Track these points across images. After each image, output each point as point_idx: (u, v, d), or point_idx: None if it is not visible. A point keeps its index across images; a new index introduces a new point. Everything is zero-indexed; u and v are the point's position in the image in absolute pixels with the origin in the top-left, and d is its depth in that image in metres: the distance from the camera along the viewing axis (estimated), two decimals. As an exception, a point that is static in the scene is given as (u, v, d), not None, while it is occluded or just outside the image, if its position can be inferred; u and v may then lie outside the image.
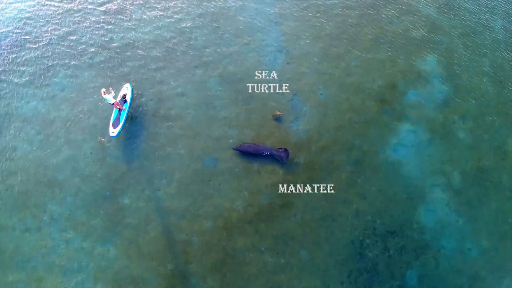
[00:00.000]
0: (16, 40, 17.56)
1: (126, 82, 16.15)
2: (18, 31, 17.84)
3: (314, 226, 13.73)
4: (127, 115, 15.21)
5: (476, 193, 14.35)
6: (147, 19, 18.03)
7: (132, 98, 15.68)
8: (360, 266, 13.19)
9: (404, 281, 13.07)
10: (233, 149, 14.77)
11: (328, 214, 13.92)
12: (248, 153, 14.69)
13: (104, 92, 14.22)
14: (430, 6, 18.48)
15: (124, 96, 15.19)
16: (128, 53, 17.05)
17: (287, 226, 13.72)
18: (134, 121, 15.53)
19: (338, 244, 13.47)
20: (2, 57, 17.14)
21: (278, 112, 15.44)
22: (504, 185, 14.53)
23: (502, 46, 17.41)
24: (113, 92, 14.66)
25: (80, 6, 18.48)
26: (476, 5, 18.58)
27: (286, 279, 13.02)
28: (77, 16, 18.17)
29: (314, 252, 13.36)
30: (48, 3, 18.61)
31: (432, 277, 13.15)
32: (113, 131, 14.70)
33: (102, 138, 14.92)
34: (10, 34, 17.77)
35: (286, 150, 14.58)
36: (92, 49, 17.23)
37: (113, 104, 14.73)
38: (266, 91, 16.17)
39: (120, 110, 15.06)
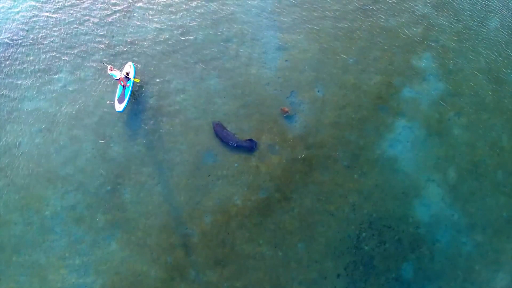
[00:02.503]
0: (19, 38, 17.82)
1: (129, 61, 16.73)
2: (21, 29, 18.09)
3: (311, 220, 13.97)
4: (131, 92, 15.83)
5: (471, 188, 14.57)
6: (148, 18, 18.27)
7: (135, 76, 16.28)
8: (356, 259, 13.42)
9: (400, 274, 13.30)
10: (212, 123, 15.34)
11: (325, 208, 14.15)
12: (218, 137, 15.13)
13: (111, 68, 14.83)
14: (426, 4, 18.71)
15: (128, 74, 15.80)
16: (129, 51, 17.29)
17: (285, 220, 13.96)
18: (135, 116, 15.80)
19: (335, 238, 13.71)
20: (5, 56, 17.40)
21: (285, 109, 15.65)
22: (499, 180, 14.75)
23: (497, 43, 17.63)
24: (118, 71, 15.30)
25: (82, 5, 18.73)
26: (472, 3, 18.81)
27: (284, 271, 13.25)
28: (79, 15, 18.41)
29: (311, 245, 13.59)
30: (50, 2, 18.85)
31: (427, 270, 13.37)
32: (119, 107, 15.32)
33: (101, 140, 15.20)
34: (13, 32, 18.02)
35: (252, 140, 14.99)
36: (93, 47, 17.47)
37: (118, 79, 15.31)
38: (265, 88, 16.42)
39: (124, 86, 15.65)
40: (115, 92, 15.88)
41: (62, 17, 18.40)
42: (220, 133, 15.13)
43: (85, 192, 14.40)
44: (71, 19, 18.30)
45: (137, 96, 16.22)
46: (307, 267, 13.31)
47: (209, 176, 14.65)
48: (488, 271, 13.43)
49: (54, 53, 17.35)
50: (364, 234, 13.75)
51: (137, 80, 15.95)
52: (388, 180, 14.60)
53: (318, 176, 14.66)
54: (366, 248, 13.57)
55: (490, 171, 14.87)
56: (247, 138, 15.12)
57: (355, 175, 14.70)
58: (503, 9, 18.64)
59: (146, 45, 17.45)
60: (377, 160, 14.93)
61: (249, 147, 14.96)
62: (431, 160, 14.97)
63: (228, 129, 15.32)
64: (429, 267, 13.40)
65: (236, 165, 14.82)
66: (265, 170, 14.76)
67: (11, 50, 17.51)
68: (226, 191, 14.38)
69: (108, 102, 15.85)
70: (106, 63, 16.28)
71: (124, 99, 15.47)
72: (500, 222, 14.12)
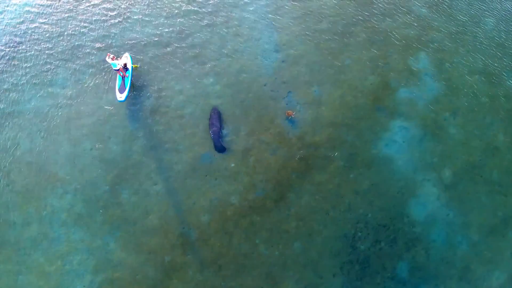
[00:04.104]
0: (18, 39, 17.97)
1: (126, 52, 17.11)
2: (19, 30, 18.24)
3: (307, 219, 14.07)
4: (131, 82, 16.20)
5: (466, 188, 14.66)
6: (145, 18, 18.42)
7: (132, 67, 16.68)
8: (352, 258, 13.52)
9: (395, 273, 13.38)
10: (213, 107, 15.88)
11: (321, 208, 14.25)
12: (209, 119, 15.62)
13: (113, 58, 15.21)
14: (422, 5, 18.84)
15: (125, 65, 16.10)
16: (127, 52, 17.40)
17: (281, 220, 14.07)
18: (133, 116, 15.93)
19: (331, 237, 13.81)
20: (4, 56, 17.56)
21: (290, 112, 15.66)
22: (494, 180, 14.84)
23: (493, 44, 17.74)
24: (115, 60, 15.60)
25: (80, 6, 18.89)
26: (468, 4, 18.92)
27: (280, 270, 13.36)
28: (78, 16, 18.56)
29: (308, 244, 13.70)
30: (49, 2, 19.03)
31: (422, 269, 13.46)
32: (121, 96, 15.65)
33: (99, 144, 15.30)
34: (12, 33, 18.18)
35: (224, 148, 15.04)
36: (92, 48, 17.62)
37: (117, 70, 15.65)
38: (262, 89, 16.54)
39: (123, 77, 16.02)
40: (115, 84, 16.24)
41: (60, 20, 18.54)
42: (212, 118, 15.46)
43: (84, 192, 14.53)
44: (69, 22, 18.44)
45: (135, 95, 16.35)
46: (303, 266, 13.41)
47: (206, 176, 14.77)
48: (484, 270, 13.51)
49: (52, 55, 17.49)
50: (360, 234, 13.85)
51: (136, 66, 16.31)
52: (384, 179, 14.70)
53: (314, 175, 14.77)
54: (362, 247, 13.67)
55: (485, 170, 14.96)
56: (225, 144, 15.14)
57: (351, 175, 14.80)
58: (498, 10, 18.75)
59: (143, 47, 17.58)
60: (373, 160, 15.03)
61: (217, 146, 15.08)
62: (427, 159, 15.06)
63: (222, 123, 15.52)
64: (425, 266, 13.49)
65: (232, 165, 14.94)
66: (262, 170, 14.87)
67: (9, 53, 17.65)
68: (223, 191, 14.50)
69: (105, 107, 15.97)
70: (110, 52, 16.40)
71: (124, 89, 15.80)
72: (496, 221, 14.21)
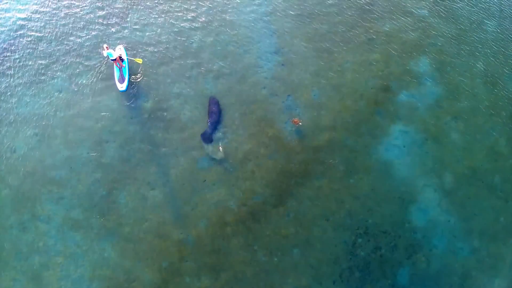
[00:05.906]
0: (14, 42, 17.82)
1: (119, 44, 17.21)
2: (16, 32, 18.10)
3: (306, 225, 13.91)
4: (129, 71, 16.43)
5: (467, 193, 14.51)
6: (143, 21, 18.27)
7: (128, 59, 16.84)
8: (352, 265, 13.36)
9: (396, 280, 13.23)
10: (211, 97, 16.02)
11: (321, 213, 14.10)
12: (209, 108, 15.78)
13: (106, 48, 15.23)
14: (423, 8, 18.70)
15: (121, 56, 16.21)
16: (120, 44, 17.24)
17: (280, 225, 13.91)
18: (130, 120, 15.78)
19: (331, 243, 13.65)
20: (0, 58, 17.40)
21: (297, 120, 15.32)
22: (495, 185, 14.69)
23: (494, 47, 17.60)
24: (110, 49, 15.56)
25: (78, 8, 18.74)
26: (469, 6, 18.78)
27: (279, 277, 13.20)
28: (75, 18, 18.42)
29: (307, 251, 13.54)
30: (46, 5, 18.88)
31: (423, 276, 13.31)
32: (122, 86, 15.86)
33: (93, 152, 15.11)
34: (8, 35, 18.04)
35: (206, 141, 15.13)
36: (89, 51, 17.47)
37: (114, 60, 15.68)
38: (261, 92, 16.39)
39: (120, 67, 16.18)
40: (113, 76, 16.39)
41: (57, 22, 18.40)
42: (211, 108, 15.59)
43: (80, 196, 14.37)
44: (66, 24, 18.30)
45: (131, 97, 16.19)
46: (302, 273, 13.25)
47: (204, 181, 14.60)
48: (485, 277, 13.37)
49: (49, 58, 17.34)
50: (360, 240, 13.69)
51: (139, 61, 16.29)
52: (384, 185, 14.54)
53: (314, 181, 14.61)
54: (362, 253, 13.51)
55: (487, 176, 14.81)
56: (211, 140, 15.20)
57: (351, 180, 14.64)
58: (499, 13, 18.60)
59: (142, 50, 17.43)
60: (373, 165, 14.87)
61: (206, 135, 15.16)
62: (428, 164, 14.91)
63: (221, 112, 15.67)
64: (425, 273, 13.34)
65: (231, 170, 14.78)
66: (261, 175, 14.71)
67: (5, 56, 17.50)
68: (221, 196, 14.34)
69: (102, 113, 15.82)
70: (104, 44, 16.23)
71: (124, 79, 15.96)
72: (497, 227, 14.06)
